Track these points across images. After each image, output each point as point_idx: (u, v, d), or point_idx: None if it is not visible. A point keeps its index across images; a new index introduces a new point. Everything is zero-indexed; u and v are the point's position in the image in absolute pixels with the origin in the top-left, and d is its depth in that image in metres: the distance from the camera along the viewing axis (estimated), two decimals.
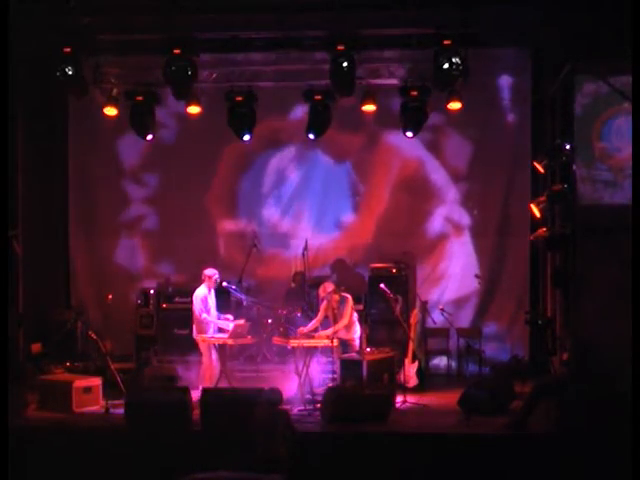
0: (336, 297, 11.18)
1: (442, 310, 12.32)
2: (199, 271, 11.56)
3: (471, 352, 12.74)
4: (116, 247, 13.91)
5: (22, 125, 12.14)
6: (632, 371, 7.84)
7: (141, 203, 13.91)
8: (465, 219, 13.48)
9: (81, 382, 10.64)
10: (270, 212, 13.77)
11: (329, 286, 11.30)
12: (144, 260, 13.89)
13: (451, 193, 13.49)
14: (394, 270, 12.72)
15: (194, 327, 11.31)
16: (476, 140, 13.27)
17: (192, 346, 11.45)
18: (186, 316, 11.78)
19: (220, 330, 11.24)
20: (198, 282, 11.44)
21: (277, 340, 11.52)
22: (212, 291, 11.37)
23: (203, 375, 11.14)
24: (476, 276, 13.09)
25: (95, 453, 9.07)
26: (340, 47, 11.21)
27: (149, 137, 12.45)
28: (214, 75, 12.38)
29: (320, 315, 11.33)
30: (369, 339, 11.13)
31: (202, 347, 11.19)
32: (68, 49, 11.36)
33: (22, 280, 12.19)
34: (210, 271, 11.34)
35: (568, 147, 10.54)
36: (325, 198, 13.70)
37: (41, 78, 12.19)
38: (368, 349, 10.79)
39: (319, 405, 10.11)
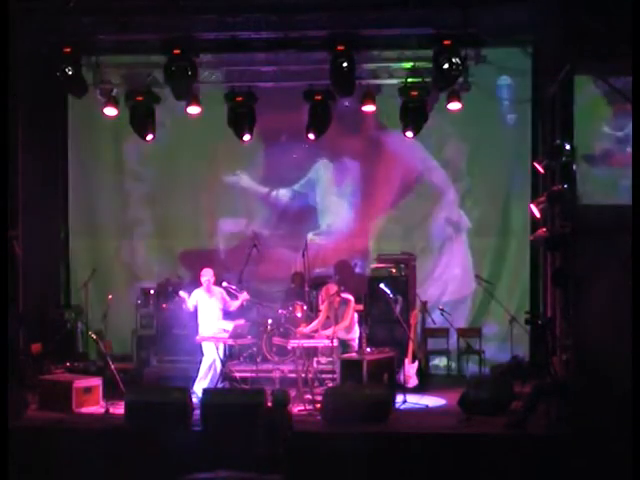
0: (338, 299, 11.17)
1: (442, 310, 12.30)
2: (199, 271, 11.57)
3: (471, 352, 12.74)
4: (116, 247, 13.91)
5: (22, 125, 12.12)
6: (632, 371, 7.84)
7: (141, 203, 13.90)
8: (465, 219, 13.48)
9: (81, 382, 10.65)
10: (270, 212, 13.77)
11: (332, 288, 11.29)
12: (144, 260, 13.89)
13: (451, 193, 13.48)
14: (394, 270, 12.69)
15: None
16: (476, 140, 13.27)
17: (192, 346, 11.47)
18: (186, 316, 11.78)
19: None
20: (198, 282, 11.46)
21: (277, 340, 11.51)
22: (212, 293, 11.33)
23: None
24: (476, 276, 13.07)
25: (95, 453, 9.06)
26: (340, 47, 11.21)
27: (149, 137, 12.43)
28: (214, 75, 12.39)
29: (322, 317, 11.32)
30: (369, 339, 11.10)
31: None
32: (68, 49, 11.38)
33: (22, 280, 12.17)
34: (203, 271, 11.37)
35: (568, 147, 10.53)
36: (325, 198, 13.70)
37: (41, 78, 12.18)
38: (368, 349, 10.78)
39: (319, 405, 10.11)
